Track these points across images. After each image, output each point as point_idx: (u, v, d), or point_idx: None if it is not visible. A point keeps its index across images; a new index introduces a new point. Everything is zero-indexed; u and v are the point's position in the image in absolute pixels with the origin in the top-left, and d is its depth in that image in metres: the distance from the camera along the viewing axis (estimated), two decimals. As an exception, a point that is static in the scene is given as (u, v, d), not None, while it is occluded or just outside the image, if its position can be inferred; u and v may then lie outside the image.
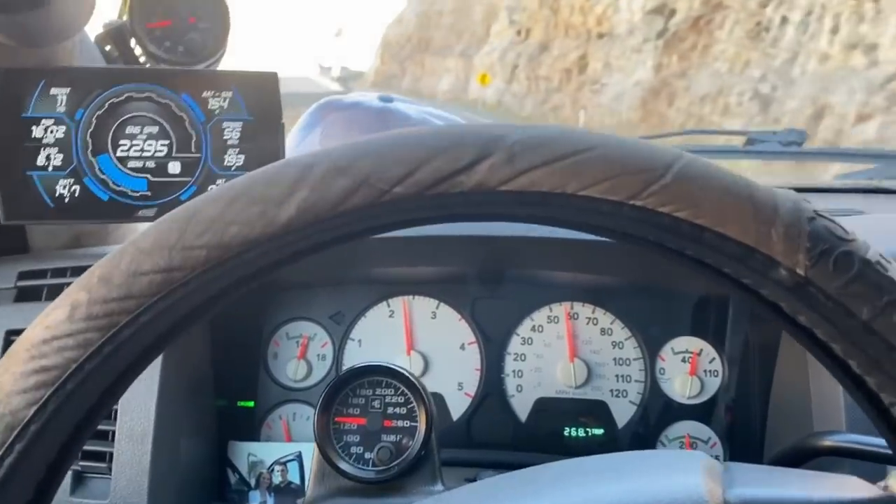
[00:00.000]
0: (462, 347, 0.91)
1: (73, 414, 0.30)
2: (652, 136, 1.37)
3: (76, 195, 0.66)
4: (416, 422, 0.66)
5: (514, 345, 0.91)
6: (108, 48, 0.81)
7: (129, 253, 0.30)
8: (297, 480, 0.85)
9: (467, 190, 0.30)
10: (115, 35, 0.78)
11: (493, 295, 0.92)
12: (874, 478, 0.68)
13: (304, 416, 0.90)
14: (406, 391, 0.67)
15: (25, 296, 0.81)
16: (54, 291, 0.81)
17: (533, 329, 0.91)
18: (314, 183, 0.29)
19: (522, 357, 0.90)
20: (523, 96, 26.47)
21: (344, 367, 0.91)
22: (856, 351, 0.29)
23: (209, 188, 0.69)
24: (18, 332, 0.78)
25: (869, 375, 0.29)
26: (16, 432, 0.28)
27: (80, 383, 0.29)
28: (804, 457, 0.66)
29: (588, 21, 22.27)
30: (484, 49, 34.06)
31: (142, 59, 0.78)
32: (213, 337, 0.87)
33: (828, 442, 0.64)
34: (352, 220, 0.30)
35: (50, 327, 0.29)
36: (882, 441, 0.60)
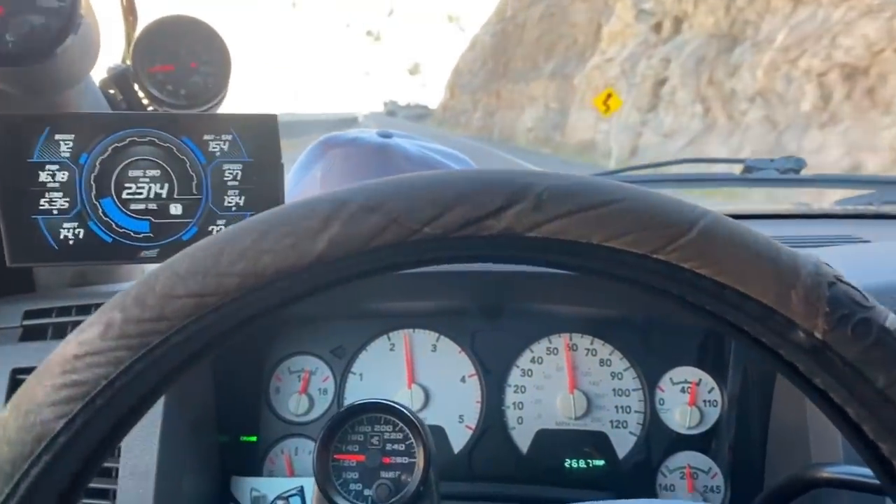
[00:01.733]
0: (463, 380, 0.92)
1: (100, 429, 0.30)
2: (647, 164, 1.38)
3: (80, 237, 0.68)
4: (415, 458, 0.67)
5: (515, 377, 0.91)
6: (111, 92, 0.83)
7: (164, 276, 0.31)
8: (299, 515, 0.85)
9: (494, 234, 0.31)
10: (119, 79, 0.80)
11: (493, 327, 0.93)
12: (872, 509, 0.68)
13: (306, 451, 0.91)
14: (404, 427, 0.68)
15: (31, 335, 0.82)
16: (60, 330, 0.82)
17: (533, 361, 0.91)
18: (346, 219, 0.31)
19: (522, 389, 0.91)
20: (700, 133, 14.24)
21: (346, 401, 0.92)
22: (869, 416, 0.30)
23: (209, 228, 0.71)
24: (24, 371, 0.79)
25: (882, 441, 0.30)
26: (45, 443, 0.29)
27: (108, 400, 0.30)
28: (801, 488, 0.66)
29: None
30: (592, 61, 22.75)
31: (145, 103, 0.80)
32: (215, 372, 0.88)
33: (825, 473, 0.64)
34: (380, 257, 0.31)
35: (83, 343, 0.30)
36: None
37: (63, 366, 0.30)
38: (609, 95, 14.69)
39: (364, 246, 0.31)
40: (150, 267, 1.06)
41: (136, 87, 0.79)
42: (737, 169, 1.36)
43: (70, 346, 0.30)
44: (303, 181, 1.01)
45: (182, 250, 0.32)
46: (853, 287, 0.30)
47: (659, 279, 0.31)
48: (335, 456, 0.67)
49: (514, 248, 0.31)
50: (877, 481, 0.62)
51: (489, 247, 0.31)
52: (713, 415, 0.88)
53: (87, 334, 0.30)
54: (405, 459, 0.67)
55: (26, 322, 0.83)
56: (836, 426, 0.32)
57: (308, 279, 0.31)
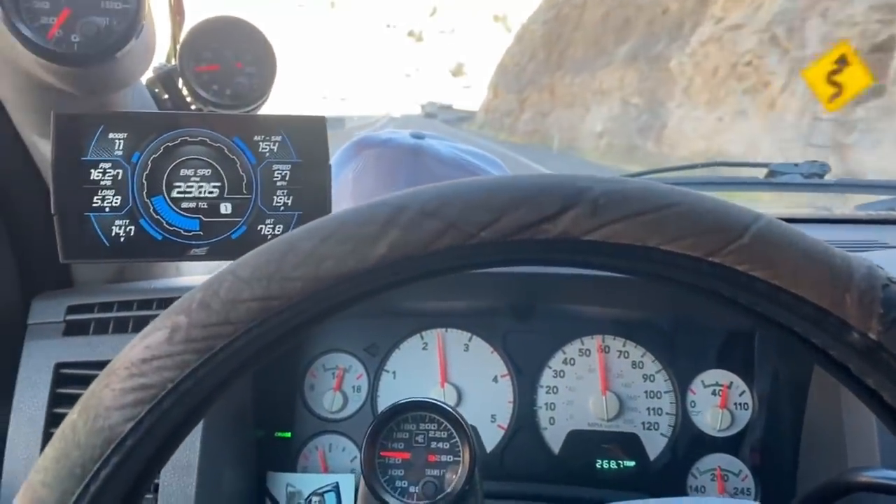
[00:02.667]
0: (495, 380, 0.93)
1: (165, 430, 0.31)
2: (675, 167, 1.39)
3: (131, 235, 0.69)
4: (459, 456, 0.68)
5: (547, 377, 0.92)
6: (156, 91, 0.84)
7: (228, 281, 0.31)
8: (334, 511, 0.86)
9: (551, 238, 0.31)
10: (165, 79, 0.81)
11: (526, 328, 0.94)
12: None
13: (340, 448, 0.92)
14: (449, 426, 0.69)
15: (74, 330, 0.84)
16: (102, 325, 0.83)
17: (565, 362, 0.92)
18: (405, 224, 0.31)
19: (555, 390, 0.92)
20: None
21: (379, 399, 0.93)
22: None
23: (258, 228, 0.72)
24: (68, 365, 0.81)
25: None
26: (113, 446, 0.30)
27: (174, 402, 0.30)
28: (838, 493, 0.67)
29: None
30: (699, 34, 15.32)
31: (189, 101, 0.81)
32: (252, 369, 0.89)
33: (863, 478, 0.65)
34: (438, 261, 0.32)
35: (150, 347, 0.31)
36: None
37: (130, 369, 0.30)
38: (842, 60, 7.42)
39: (422, 250, 0.31)
40: (189, 265, 1.08)
41: (181, 86, 0.80)
42: (761, 173, 1.37)
43: (136, 349, 0.31)
44: (336, 181, 1.02)
45: (243, 255, 0.32)
46: None
47: (712, 282, 0.32)
48: (381, 453, 0.68)
49: (571, 251, 0.32)
50: None
51: (546, 250, 0.32)
52: (744, 417, 0.89)
53: (154, 338, 0.31)
54: (450, 458, 0.68)
55: (69, 317, 0.84)
56: (887, 427, 0.33)
57: (368, 282, 0.32)
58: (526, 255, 0.33)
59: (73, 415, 0.31)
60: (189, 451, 0.77)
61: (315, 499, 0.87)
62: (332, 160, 1.05)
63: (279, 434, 0.92)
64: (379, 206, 0.32)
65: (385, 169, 1.00)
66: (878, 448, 0.70)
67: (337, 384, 0.93)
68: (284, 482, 0.88)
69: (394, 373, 0.94)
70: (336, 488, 0.87)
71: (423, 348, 0.94)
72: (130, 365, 0.31)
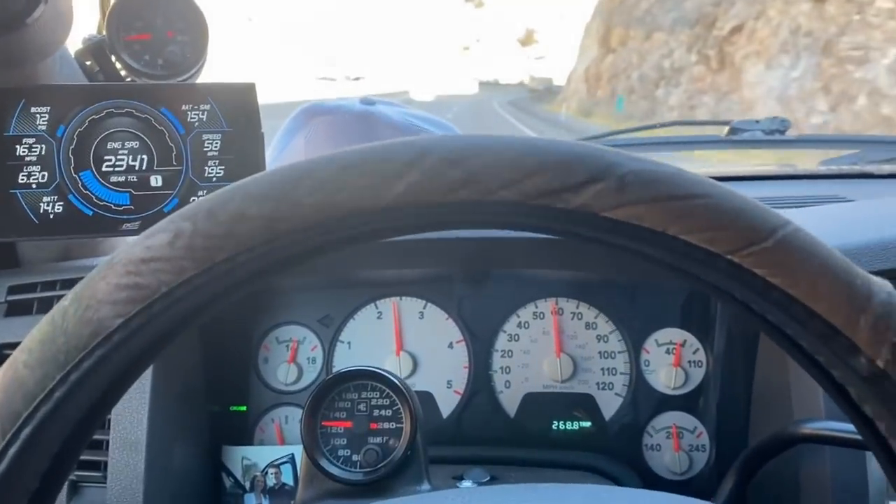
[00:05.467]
0: (450, 346, 0.92)
1: (151, 335, 0.31)
2: (634, 128, 1.38)
3: (60, 211, 0.67)
4: (402, 423, 0.67)
5: (501, 342, 0.92)
6: (88, 63, 0.82)
7: (238, 195, 0.30)
8: (290, 482, 0.86)
9: (570, 208, 0.30)
10: (95, 50, 0.79)
11: (480, 293, 0.93)
12: (853, 462, 0.70)
13: (296, 419, 0.91)
14: (391, 393, 0.69)
15: (16, 310, 0.82)
16: (45, 305, 0.82)
17: (519, 326, 0.92)
18: (426, 169, 0.30)
19: (510, 353, 0.92)
20: None
21: (334, 370, 0.92)
22: None
23: (191, 199, 0.70)
24: (10, 346, 0.79)
25: None
26: (99, 339, 0.29)
27: (165, 307, 0.30)
28: (784, 445, 0.67)
29: None
30: None
31: (123, 74, 0.79)
32: (203, 343, 0.88)
33: (806, 430, 0.65)
34: (452, 212, 0.31)
35: (150, 248, 0.30)
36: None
37: (128, 266, 0.30)
38: None
39: (439, 198, 0.30)
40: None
41: (112, 57, 0.78)
42: (723, 131, 1.36)
43: (137, 248, 0.30)
44: (287, 148, 1.01)
45: (259, 173, 0.31)
46: None
47: (727, 282, 0.30)
48: (323, 423, 0.68)
49: (586, 226, 0.31)
50: (856, 436, 0.63)
51: (561, 221, 0.31)
52: (698, 375, 0.89)
53: (156, 240, 0.30)
54: (392, 425, 0.68)
55: (11, 297, 0.82)
56: (877, 458, 0.31)
57: (378, 222, 0.31)
58: (541, 222, 0.31)
59: (66, 301, 0.30)
60: (137, 427, 0.77)
61: (271, 470, 0.87)
62: (282, 127, 1.04)
63: (234, 408, 0.92)
64: (403, 145, 0.31)
65: (336, 136, 0.99)
66: (822, 401, 0.71)
67: (291, 356, 0.92)
68: (240, 455, 0.88)
69: (349, 343, 0.93)
70: (292, 460, 0.87)
71: (378, 317, 0.94)
72: (129, 262, 0.30)
